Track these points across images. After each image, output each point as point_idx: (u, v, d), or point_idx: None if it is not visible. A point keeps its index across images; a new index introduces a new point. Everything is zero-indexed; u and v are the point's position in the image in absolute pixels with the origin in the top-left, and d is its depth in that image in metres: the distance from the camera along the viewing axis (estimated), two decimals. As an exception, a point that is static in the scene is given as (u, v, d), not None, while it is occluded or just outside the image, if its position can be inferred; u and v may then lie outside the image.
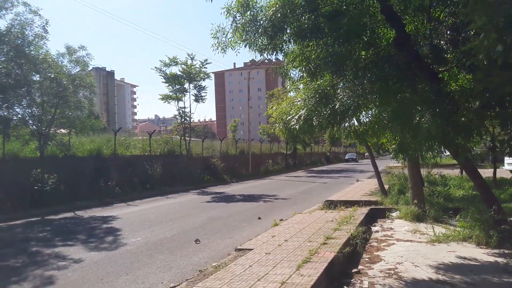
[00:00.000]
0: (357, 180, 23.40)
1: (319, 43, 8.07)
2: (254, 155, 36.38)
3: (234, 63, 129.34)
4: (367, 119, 9.04)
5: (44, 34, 14.31)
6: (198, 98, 27.15)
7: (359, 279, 6.46)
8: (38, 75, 15.09)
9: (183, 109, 26.66)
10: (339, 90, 7.90)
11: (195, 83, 26.61)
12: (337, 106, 7.52)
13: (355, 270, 6.89)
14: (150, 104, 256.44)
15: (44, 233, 11.08)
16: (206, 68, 26.73)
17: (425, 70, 8.26)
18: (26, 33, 13.87)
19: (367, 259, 7.55)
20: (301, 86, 9.49)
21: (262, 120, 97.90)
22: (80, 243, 9.51)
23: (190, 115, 27.12)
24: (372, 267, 7.06)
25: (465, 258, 7.36)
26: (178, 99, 26.36)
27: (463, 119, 6.70)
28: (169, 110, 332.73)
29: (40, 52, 14.77)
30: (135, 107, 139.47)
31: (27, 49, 13.86)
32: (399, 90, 8.29)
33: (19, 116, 15.47)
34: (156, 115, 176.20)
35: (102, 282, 6.56)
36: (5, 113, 14.72)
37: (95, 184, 18.11)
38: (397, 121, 8.11)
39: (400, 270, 6.78)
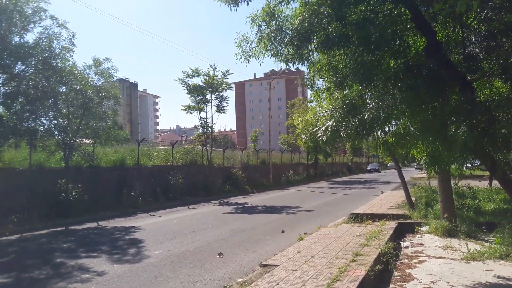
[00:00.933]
0: (382, 192, 22.81)
1: (346, 52, 7.84)
2: (275, 165, 36.12)
3: (254, 74, 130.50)
4: (397, 130, 8.70)
5: (70, 46, 14.59)
6: (220, 109, 27.13)
7: (391, 299, 6.13)
8: (64, 87, 15.35)
9: (205, 120, 26.70)
10: (368, 100, 7.63)
11: (217, 93, 26.63)
12: (366, 117, 7.25)
13: (387, 289, 6.56)
14: (172, 114, 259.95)
15: (68, 244, 11.11)
16: (228, 78, 26.81)
17: (458, 79, 7.92)
18: (54, 46, 14.16)
19: (398, 277, 7.18)
20: (323, 95, 9.21)
21: (282, 130, 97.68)
22: (103, 255, 9.45)
23: (212, 125, 27.14)
24: (404, 286, 6.70)
25: (504, 278, 6.91)
26: (200, 110, 26.43)
27: (503, 130, 6.33)
28: (190, 120, 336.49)
29: (67, 64, 15.04)
30: (157, 117, 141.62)
31: (54, 61, 14.11)
32: (430, 100, 7.97)
33: (45, 127, 15.74)
34: (177, 125, 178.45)
35: (125, 298, 6.43)
36: (32, 124, 14.98)
37: (118, 194, 18.22)
38: (429, 132, 7.77)
39: (435, 289, 6.41)
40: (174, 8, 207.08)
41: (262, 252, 9.37)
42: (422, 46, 8.44)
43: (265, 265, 7.44)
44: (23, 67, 13.80)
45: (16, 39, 13.48)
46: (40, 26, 13.98)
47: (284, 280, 6.20)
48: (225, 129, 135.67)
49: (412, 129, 8.27)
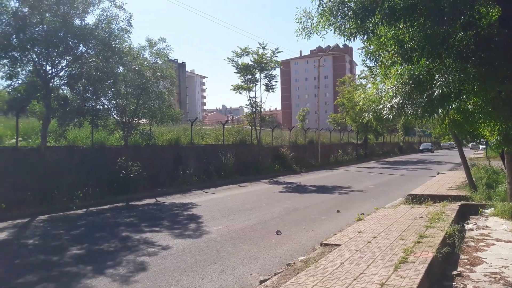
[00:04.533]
0: (438, 173, 21.90)
1: (413, 25, 7.42)
2: (323, 145, 35.68)
3: (300, 51, 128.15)
4: (465, 107, 8.20)
5: (128, 27, 14.96)
6: (269, 88, 27.07)
7: (461, 283, 5.90)
8: (123, 68, 15.85)
9: (253, 99, 26.75)
10: (437, 75, 7.21)
11: (266, 72, 26.52)
12: (436, 93, 6.86)
13: (455, 272, 6.32)
14: (218, 94, 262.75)
15: (131, 219, 11.65)
16: (277, 56, 26.56)
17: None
18: (112, 27, 14.56)
19: (466, 261, 6.90)
20: (391, 70, 8.75)
21: (329, 109, 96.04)
22: (165, 230, 9.84)
23: (261, 104, 27.15)
24: (473, 269, 6.43)
25: None
26: (250, 89, 26.46)
27: None
28: (236, 100, 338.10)
29: (124, 45, 15.49)
30: (204, 97, 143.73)
31: (113, 42, 14.54)
32: (506, 75, 7.42)
33: (105, 107, 16.42)
34: (223, 105, 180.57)
35: (192, 271, 6.65)
36: (93, 104, 15.68)
37: (174, 172, 18.85)
38: (503, 109, 7.28)
39: (508, 275, 6.10)
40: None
41: (319, 231, 9.35)
42: (496, 17, 7.83)
43: (326, 244, 7.39)
44: (85, 48, 14.37)
45: (78, 21, 14.03)
46: (99, 8, 14.44)
47: (348, 260, 6.13)
48: (270, 109, 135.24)
49: (483, 106, 7.76)
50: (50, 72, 14.08)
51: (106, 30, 14.36)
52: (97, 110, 15.54)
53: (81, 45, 14.19)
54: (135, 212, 12.83)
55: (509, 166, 10.72)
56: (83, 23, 14.10)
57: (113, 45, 14.52)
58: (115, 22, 14.57)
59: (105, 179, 15.71)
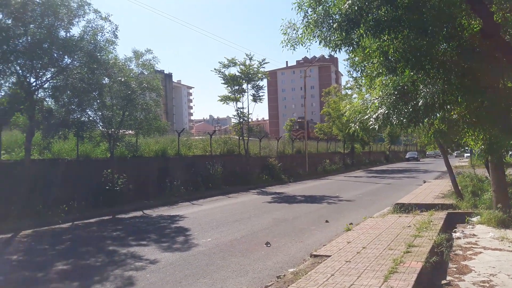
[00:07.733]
0: (424, 181, 22.15)
1: (397, 37, 7.55)
2: (310, 155, 35.80)
3: (287, 62, 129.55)
4: (450, 117, 8.34)
5: (114, 39, 14.86)
6: (256, 98, 27.13)
7: (451, 292, 5.93)
8: (108, 79, 15.73)
9: (241, 109, 26.76)
10: (421, 86, 7.33)
11: (253, 83, 26.61)
12: (420, 103, 6.98)
13: (444, 281, 6.35)
14: (205, 104, 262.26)
15: (118, 232, 11.46)
16: (264, 67, 26.69)
17: (518, 62, 7.48)
18: (98, 38, 14.45)
19: (454, 269, 6.95)
20: (375, 81, 8.85)
21: (316, 118, 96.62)
22: (153, 243, 9.69)
23: (248, 115, 27.17)
24: (462, 278, 6.48)
25: None
26: (237, 100, 26.49)
27: None
28: (223, 110, 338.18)
29: (110, 56, 15.36)
30: (191, 108, 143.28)
31: (98, 54, 14.43)
32: (488, 85, 7.58)
33: (91, 118, 16.23)
34: (210, 115, 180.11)
35: (181, 285, 6.54)
36: (79, 116, 15.49)
37: (161, 183, 18.65)
38: (487, 118, 7.42)
39: (496, 283, 6.15)
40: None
41: (309, 242, 9.32)
42: (477, 29, 8.02)
43: (315, 256, 7.37)
44: (70, 60, 14.22)
45: (63, 33, 13.88)
46: (84, 20, 14.29)
47: (338, 271, 6.12)
48: (257, 119, 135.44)
49: (467, 115, 7.90)
50: (34, 84, 13.87)
51: (92, 41, 14.25)
52: (82, 122, 15.34)
53: (66, 57, 14.03)
54: (121, 225, 12.63)
55: (493, 174, 10.89)
56: (68, 34, 13.96)
57: (99, 56, 14.39)
58: (100, 33, 14.47)
59: (91, 192, 15.45)
